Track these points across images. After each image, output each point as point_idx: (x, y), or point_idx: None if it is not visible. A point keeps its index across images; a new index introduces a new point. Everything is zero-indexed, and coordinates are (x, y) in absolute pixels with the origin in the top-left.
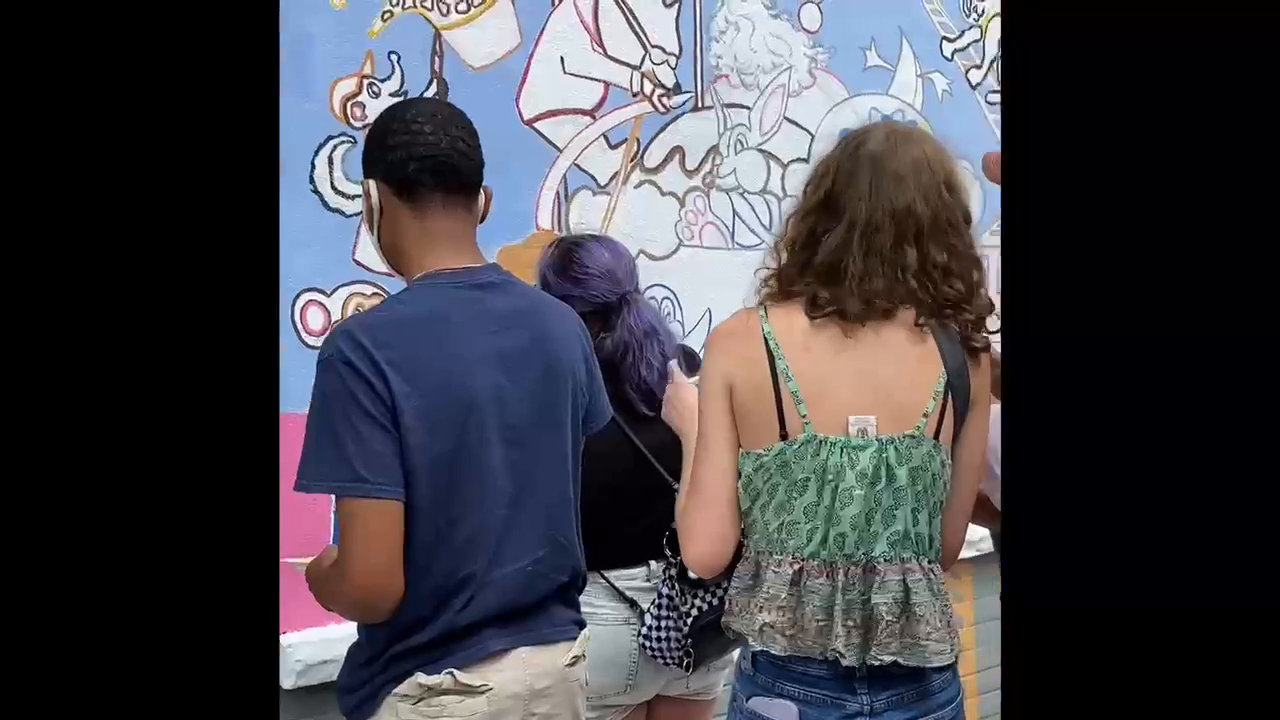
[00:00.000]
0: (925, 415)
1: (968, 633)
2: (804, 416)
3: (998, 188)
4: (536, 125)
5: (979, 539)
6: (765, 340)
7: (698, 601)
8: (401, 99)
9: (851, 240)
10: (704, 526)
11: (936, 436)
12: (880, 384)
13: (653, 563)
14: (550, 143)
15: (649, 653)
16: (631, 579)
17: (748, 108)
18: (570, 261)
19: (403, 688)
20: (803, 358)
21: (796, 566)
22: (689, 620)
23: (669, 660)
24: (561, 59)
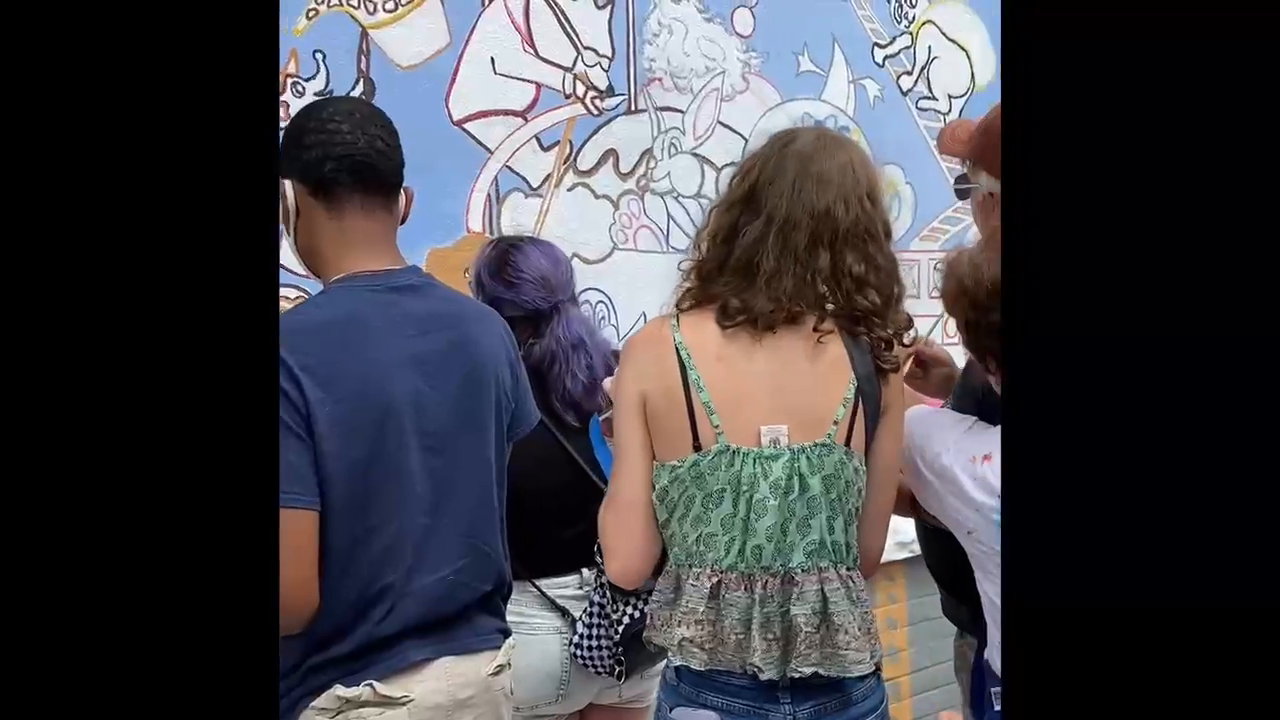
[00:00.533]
0: (835, 423)
1: (901, 634)
2: (717, 427)
3: (930, 195)
4: (466, 126)
5: (911, 540)
6: (677, 350)
7: (629, 609)
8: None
9: (768, 236)
10: (623, 539)
11: (848, 443)
12: (791, 393)
13: (585, 570)
14: (481, 144)
15: (580, 661)
16: (563, 587)
17: (681, 111)
18: (506, 264)
19: (320, 700)
20: (714, 368)
21: (715, 579)
22: (620, 628)
23: (600, 669)
24: (492, 59)
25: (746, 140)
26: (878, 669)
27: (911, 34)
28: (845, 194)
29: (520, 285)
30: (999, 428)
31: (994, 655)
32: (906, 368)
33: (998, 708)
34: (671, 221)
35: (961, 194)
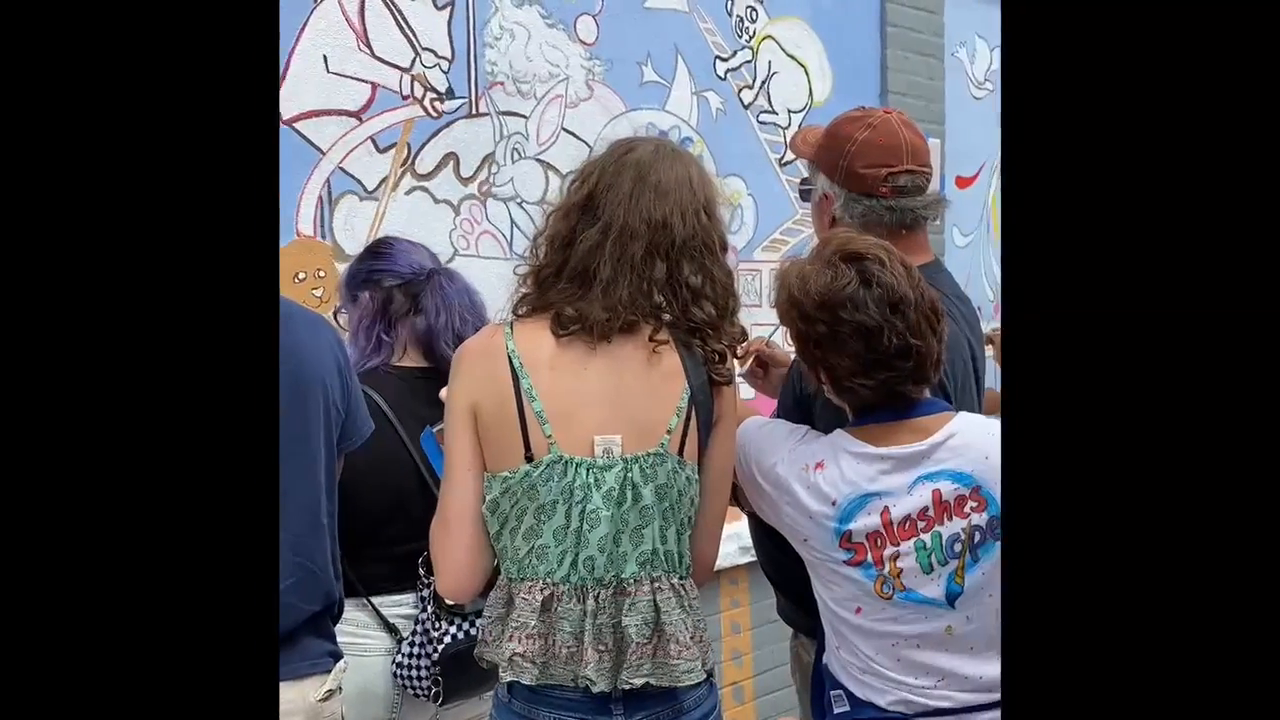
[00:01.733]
0: (669, 432)
1: (745, 638)
2: (549, 437)
3: (771, 207)
4: (297, 125)
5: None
6: (510, 359)
7: (452, 629)
8: None
9: (605, 244)
10: (452, 552)
11: (681, 453)
12: (624, 402)
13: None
14: (312, 144)
15: (399, 683)
16: (399, 605)
17: (525, 116)
18: (379, 244)
19: None
20: (547, 377)
21: (547, 592)
22: (439, 648)
23: (418, 692)
24: (325, 57)
25: (591, 148)
26: (710, 676)
27: (752, 49)
28: (682, 206)
29: (393, 254)
30: (830, 435)
31: (832, 659)
32: (748, 364)
33: (838, 711)
34: (515, 227)
35: (805, 195)
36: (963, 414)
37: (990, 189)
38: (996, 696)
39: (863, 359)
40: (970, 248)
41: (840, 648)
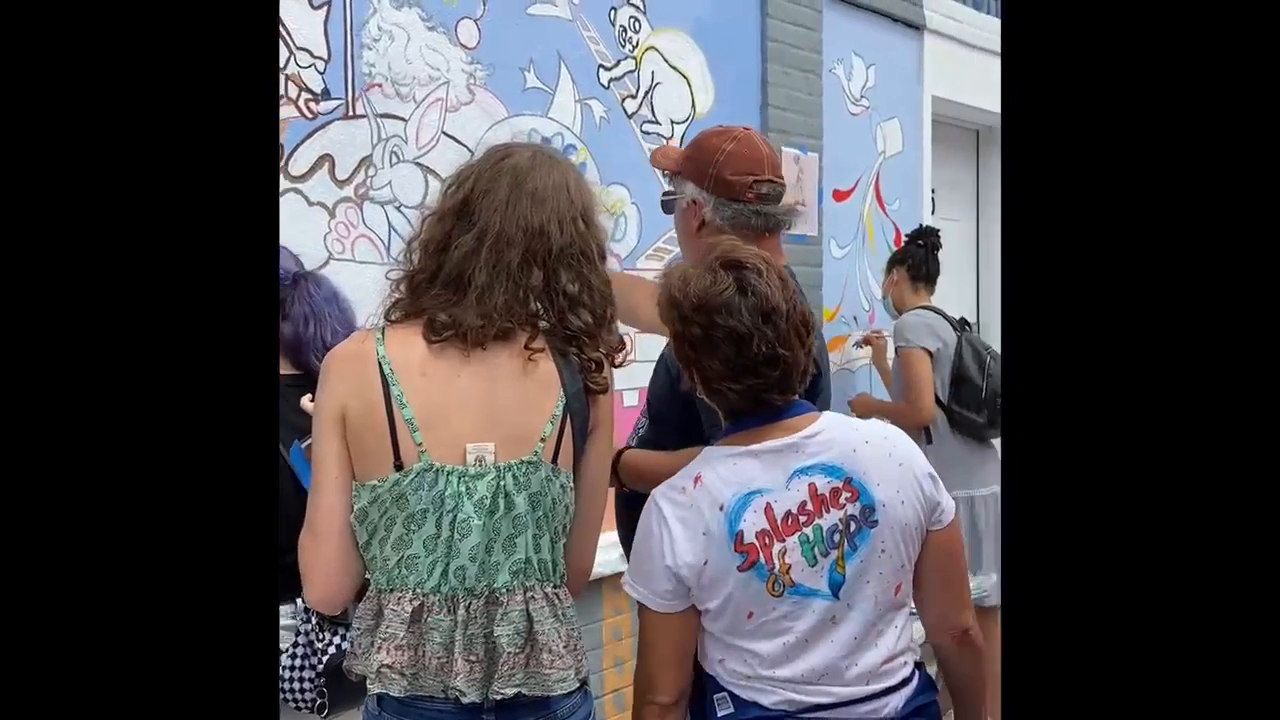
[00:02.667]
0: (543, 440)
1: (627, 644)
2: (420, 445)
3: (655, 215)
4: None
5: None
6: (380, 365)
7: (336, 639)
8: None
9: (480, 250)
10: (320, 563)
11: (555, 460)
12: (498, 410)
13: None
14: None
15: (280, 695)
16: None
17: (404, 119)
18: None
19: None
20: (418, 383)
21: (417, 603)
22: (324, 659)
23: (301, 704)
24: None
25: (473, 152)
26: (584, 685)
27: (635, 59)
28: (560, 213)
29: None
30: (700, 454)
31: (718, 671)
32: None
33: (722, 713)
34: (393, 231)
35: (667, 207)
36: (827, 413)
37: (866, 202)
38: (874, 689)
39: (732, 364)
40: (847, 259)
41: (725, 659)
